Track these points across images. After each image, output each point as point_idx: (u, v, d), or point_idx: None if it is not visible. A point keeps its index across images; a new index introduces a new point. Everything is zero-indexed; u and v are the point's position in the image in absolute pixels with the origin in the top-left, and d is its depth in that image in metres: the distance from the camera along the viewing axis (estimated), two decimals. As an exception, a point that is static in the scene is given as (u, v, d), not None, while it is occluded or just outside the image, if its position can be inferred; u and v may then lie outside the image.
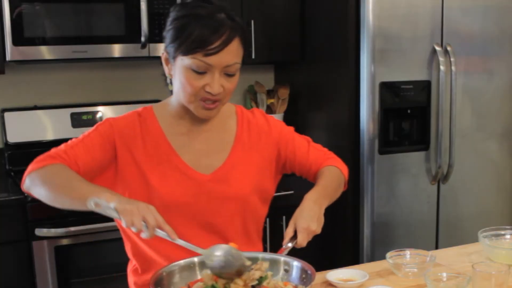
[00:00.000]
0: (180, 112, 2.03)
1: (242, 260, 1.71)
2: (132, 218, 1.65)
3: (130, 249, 2.10)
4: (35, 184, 1.90)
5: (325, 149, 2.22)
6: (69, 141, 2.01)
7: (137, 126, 2.02)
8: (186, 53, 1.86)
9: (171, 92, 2.04)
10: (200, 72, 1.87)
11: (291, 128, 2.20)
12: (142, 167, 1.98)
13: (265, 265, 1.73)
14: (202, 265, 1.78)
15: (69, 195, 1.83)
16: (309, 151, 2.16)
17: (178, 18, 1.90)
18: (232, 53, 1.88)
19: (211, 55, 1.84)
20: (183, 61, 1.88)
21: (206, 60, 1.85)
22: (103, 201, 1.69)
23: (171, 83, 2.01)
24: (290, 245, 1.85)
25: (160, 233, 1.68)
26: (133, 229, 1.66)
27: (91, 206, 1.70)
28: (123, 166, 1.99)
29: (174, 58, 1.91)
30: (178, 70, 1.91)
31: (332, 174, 2.11)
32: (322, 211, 1.90)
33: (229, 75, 1.90)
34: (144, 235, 1.67)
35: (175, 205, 1.97)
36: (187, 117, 2.03)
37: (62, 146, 2.00)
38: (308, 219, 1.83)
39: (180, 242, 1.71)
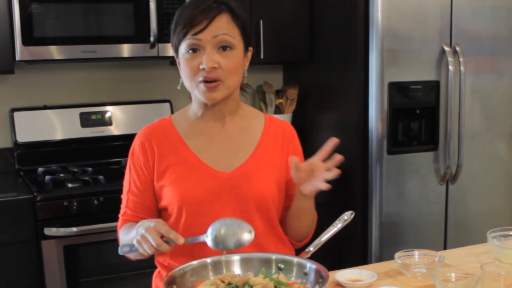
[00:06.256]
0: (198, 112, 2.07)
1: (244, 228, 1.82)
2: (142, 247, 1.80)
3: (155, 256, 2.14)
4: (129, 257, 2.03)
5: None
6: (123, 195, 2.12)
7: (152, 139, 2.06)
8: (180, 39, 1.95)
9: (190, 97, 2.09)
10: (194, 52, 1.93)
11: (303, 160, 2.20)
12: (162, 177, 2.03)
13: (270, 285, 1.73)
14: (215, 265, 1.80)
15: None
16: None
17: (175, 16, 2.00)
18: (220, 26, 1.94)
19: (199, 31, 1.91)
20: (181, 49, 1.96)
21: (195, 36, 1.92)
22: (130, 243, 1.87)
23: (182, 83, 2.04)
24: (312, 249, 1.90)
25: (173, 243, 1.79)
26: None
27: (122, 251, 1.90)
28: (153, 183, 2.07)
29: (177, 51, 1.99)
30: (181, 61, 1.98)
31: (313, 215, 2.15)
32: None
33: (224, 49, 1.94)
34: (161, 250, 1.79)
35: (196, 204, 1.99)
36: (206, 115, 2.06)
37: (122, 205, 2.12)
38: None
39: (188, 240, 1.81)
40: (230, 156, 2.05)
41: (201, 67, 1.92)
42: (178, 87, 2.07)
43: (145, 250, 1.79)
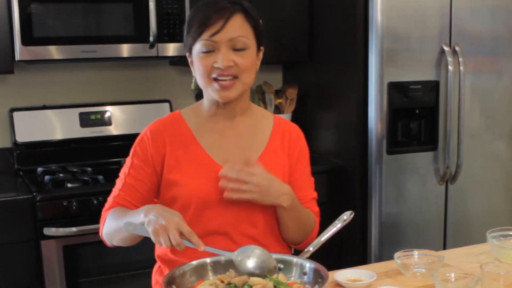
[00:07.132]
0: (210, 110, 2.07)
1: (273, 261, 1.78)
2: (158, 238, 1.70)
3: (156, 251, 2.13)
4: (109, 239, 2.04)
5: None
6: (118, 180, 2.08)
7: (164, 132, 2.05)
8: (195, 39, 1.95)
9: (196, 96, 2.09)
10: (208, 51, 1.94)
11: (309, 163, 2.22)
12: (172, 171, 2.01)
13: (270, 285, 1.72)
14: (215, 265, 1.80)
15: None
16: (309, 193, 2.20)
17: (189, 14, 2.00)
18: (235, 27, 1.94)
19: (215, 33, 1.92)
20: (195, 49, 1.96)
21: (211, 38, 1.92)
22: (137, 222, 1.78)
23: (195, 81, 2.05)
24: (311, 249, 1.90)
25: (188, 243, 1.71)
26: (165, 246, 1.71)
27: (126, 228, 1.78)
28: (158, 176, 2.05)
29: (191, 51, 1.99)
30: (195, 60, 1.99)
31: (309, 216, 2.14)
32: (283, 196, 1.99)
33: (239, 50, 1.95)
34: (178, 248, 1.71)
35: (204, 201, 1.99)
36: (218, 114, 2.07)
37: (115, 189, 2.07)
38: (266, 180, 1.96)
39: (208, 249, 1.75)
40: (240, 155, 2.04)
41: (215, 65, 1.93)
42: (192, 86, 2.09)
43: (159, 242, 1.70)
